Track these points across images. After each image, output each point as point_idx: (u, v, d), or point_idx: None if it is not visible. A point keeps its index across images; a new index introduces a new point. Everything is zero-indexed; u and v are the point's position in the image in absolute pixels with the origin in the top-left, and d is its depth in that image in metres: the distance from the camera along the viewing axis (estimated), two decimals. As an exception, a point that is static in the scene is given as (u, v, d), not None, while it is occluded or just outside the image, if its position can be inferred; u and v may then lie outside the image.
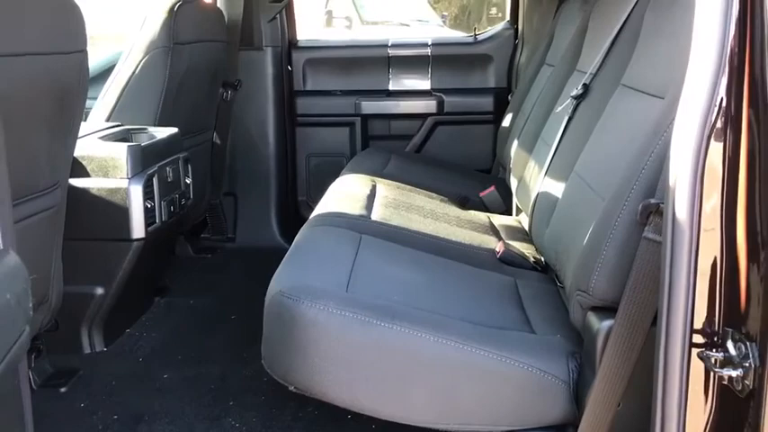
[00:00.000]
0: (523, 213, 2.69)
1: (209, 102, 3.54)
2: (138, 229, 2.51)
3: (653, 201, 1.37)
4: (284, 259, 1.90)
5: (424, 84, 3.95)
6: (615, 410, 1.44)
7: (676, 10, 1.75)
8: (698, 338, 1.22)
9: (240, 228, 3.88)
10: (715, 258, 1.19)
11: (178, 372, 2.53)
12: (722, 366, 1.18)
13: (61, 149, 2.15)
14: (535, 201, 2.34)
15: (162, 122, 2.92)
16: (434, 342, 1.56)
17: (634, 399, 1.41)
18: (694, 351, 1.22)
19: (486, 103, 3.92)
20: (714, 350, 1.20)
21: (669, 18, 1.81)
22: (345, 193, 2.66)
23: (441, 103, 3.90)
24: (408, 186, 2.94)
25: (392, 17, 11.44)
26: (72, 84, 2.06)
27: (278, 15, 3.81)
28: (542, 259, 2.23)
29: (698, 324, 1.22)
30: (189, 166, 2.89)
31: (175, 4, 2.99)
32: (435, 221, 2.51)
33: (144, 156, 2.54)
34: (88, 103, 2.29)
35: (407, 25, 10.97)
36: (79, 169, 2.45)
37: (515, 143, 2.97)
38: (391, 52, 3.96)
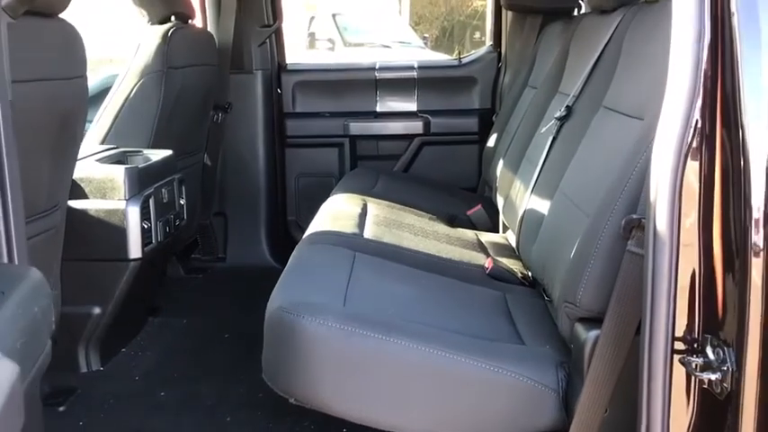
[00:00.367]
0: (510, 230, 2.75)
1: (201, 124, 3.60)
2: (135, 250, 2.55)
3: (635, 216, 1.44)
4: (282, 276, 1.96)
5: (411, 105, 4.02)
6: (603, 416, 1.50)
7: (654, 35, 1.84)
8: (679, 345, 1.29)
9: (230, 248, 3.92)
10: (694, 270, 1.26)
11: (175, 389, 2.57)
12: (702, 371, 1.25)
13: (61, 172, 2.20)
14: (522, 218, 2.41)
15: (156, 144, 2.96)
16: (429, 353, 1.62)
17: (620, 404, 1.47)
18: (676, 357, 1.29)
19: (471, 123, 3.99)
20: (694, 356, 1.27)
21: (647, 43, 1.90)
22: (337, 213, 2.72)
23: (427, 124, 3.97)
24: (398, 205, 3.00)
25: (374, 39, 11.56)
26: (73, 108, 2.12)
27: (267, 39, 3.89)
28: (530, 274, 2.30)
29: (679, 331, 1.29)
30: (183, 187, 2.94)
31: (169, 29, 3.06)
32: (425, 239, 2.58)
33: (140, 177, 2.60)
34: (83, 125, 2.34)
35: (389, 47, 11.09)
36: (78, 191, 2.49)
37: (501, 163, 3.04)
38: (378, 75, 4.03)
